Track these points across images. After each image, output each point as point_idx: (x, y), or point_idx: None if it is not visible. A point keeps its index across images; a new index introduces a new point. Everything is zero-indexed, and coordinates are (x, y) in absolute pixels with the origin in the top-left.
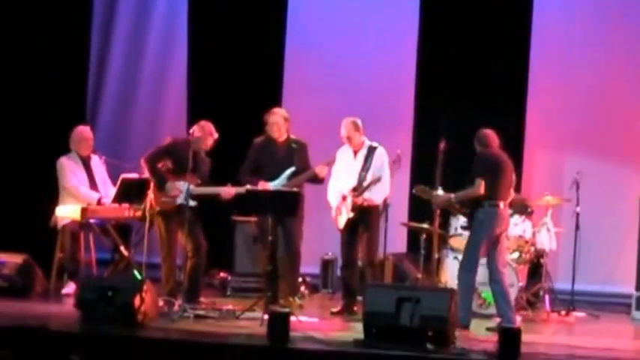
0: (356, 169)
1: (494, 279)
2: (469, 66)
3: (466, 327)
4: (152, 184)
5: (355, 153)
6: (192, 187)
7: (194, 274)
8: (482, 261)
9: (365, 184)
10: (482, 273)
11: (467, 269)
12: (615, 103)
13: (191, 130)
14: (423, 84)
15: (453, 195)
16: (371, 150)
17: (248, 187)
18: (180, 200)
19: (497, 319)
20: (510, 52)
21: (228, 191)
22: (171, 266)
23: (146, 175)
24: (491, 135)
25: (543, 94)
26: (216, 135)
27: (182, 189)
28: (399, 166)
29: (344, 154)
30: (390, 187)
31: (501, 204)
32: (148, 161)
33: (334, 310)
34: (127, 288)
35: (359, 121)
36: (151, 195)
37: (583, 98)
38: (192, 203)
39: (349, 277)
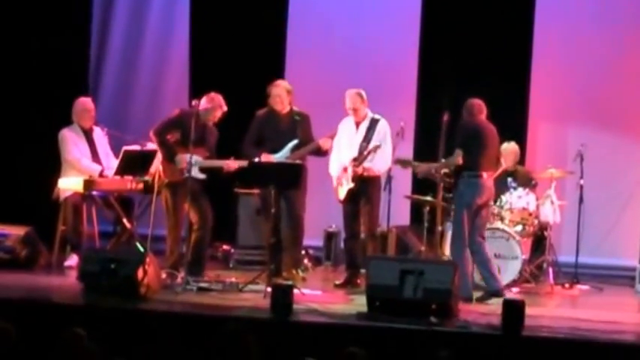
0: (357, 141)
1: (473, 250)
2: (473, 38)
3: (469, 299)
4: (161, 156)
5: (357, 125)
6: (199, 159)
7: (199, 246)
8: (488, 233)
9: (365, 152)
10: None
11: (455, 242)
12: (619, 75)
13: (194, 103)
14: (426, 56)
15: (433, 165)
16: (373, 122)
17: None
18: (188, 172)
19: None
20: (514, 25)
21: (230, 164)
22: (177, 239)
23: (149, 147)
24: (478, 104)
25: (547, 66)
26: (225, 108)
27: (188, 159)
28: (403, 138)
29: (346, 126)
30: (392, 159)
31: (484, 174)
32: (157, 134)
33: (337, 282)
34: (130, 260)
35: (364, 93)
36: (159, 167)
37: (587, 71)
38: (201, 176)
39: (353, 249)
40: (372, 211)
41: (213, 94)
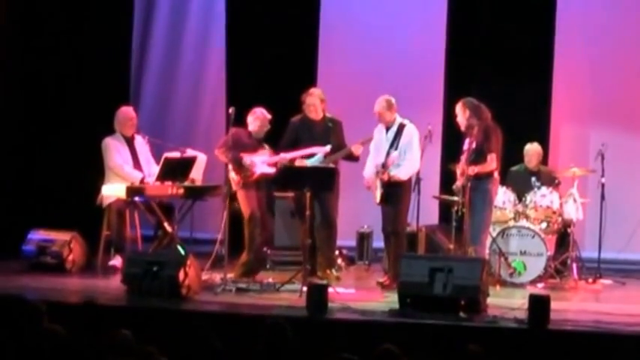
0: (385, 146)
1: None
2: (497, 41)
3: None
4: (230, 167)
5: (387, 130)
6: (265, 157)
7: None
8: (514, 231)
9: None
10: (511, 242)
11: (481, 237)
12: None
13: (231, 110)
14: (452, 59)
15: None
16: (400, 127)
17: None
18: (259, 170)
19: (529, 288)
20: (536, 26)
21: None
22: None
23: (188, 153)
24: (484, 106)
25: (569, 67)
26: (269, 116)
27: (256, 160)
28: (431, 141)
29: (379, 131)
30: (420, 162)
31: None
32: (220, 148)
33: (380, 280)
34: (171, 263)
35: (393, 100)
36: (233, 176)
37: (608, 71)
38: (270, 170)
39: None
40: (397, 210)
41: (256, 110)
